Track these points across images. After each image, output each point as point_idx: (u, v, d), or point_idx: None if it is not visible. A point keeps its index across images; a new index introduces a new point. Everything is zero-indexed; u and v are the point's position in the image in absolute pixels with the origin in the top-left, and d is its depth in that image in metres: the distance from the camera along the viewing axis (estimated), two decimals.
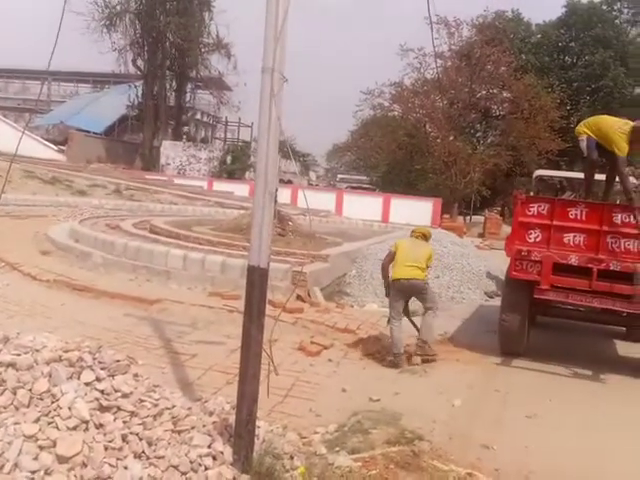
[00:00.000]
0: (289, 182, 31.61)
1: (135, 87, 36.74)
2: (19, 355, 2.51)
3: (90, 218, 13.56)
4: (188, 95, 39.64)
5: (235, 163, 34.40)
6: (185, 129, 41.40)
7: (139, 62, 35.94)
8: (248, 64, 35.21)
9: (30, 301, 6.60)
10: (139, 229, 11.49)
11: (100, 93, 45.72)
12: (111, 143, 37.90)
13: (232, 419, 3.02)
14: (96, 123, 37.66)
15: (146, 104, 36.02)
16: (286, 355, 5.38)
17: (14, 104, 49.42)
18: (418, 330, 5.72)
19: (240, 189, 28.00)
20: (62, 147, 33.67)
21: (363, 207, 26.01)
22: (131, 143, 39.30)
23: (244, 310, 2.83)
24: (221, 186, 29.13)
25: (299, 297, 7.43)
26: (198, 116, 46.37)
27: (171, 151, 34.90)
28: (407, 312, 5.85)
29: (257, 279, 2.84)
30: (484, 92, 32.17)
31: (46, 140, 32.74)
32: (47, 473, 2.14)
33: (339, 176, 52.85)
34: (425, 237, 5.99)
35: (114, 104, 39.66)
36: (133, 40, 35.25)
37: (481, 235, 24.87)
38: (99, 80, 48.88)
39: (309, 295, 7.71)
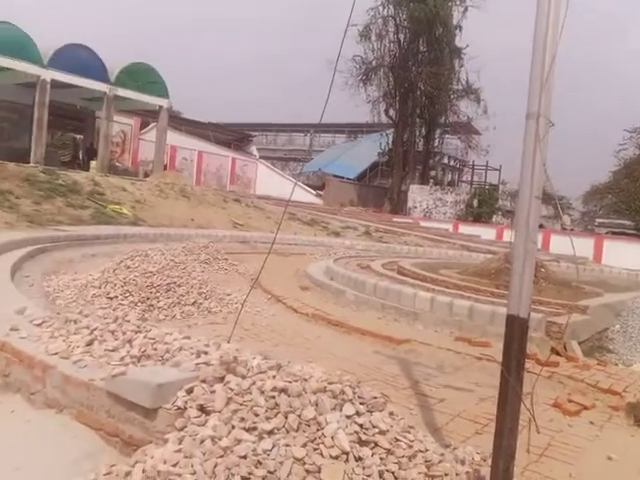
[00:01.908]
0: (541, 226, 29.99)
1: (386, 135, 38.67)
2: (290, 382, 2.75)
3: (343, 257, 14.44)
4: (436, 140, 40.41)
5: (482, 206, 33.87)
6: (432, 173, 42.17)
7: (391, 112, 37.85)
8: (497, 108, 34.72)
9: (292, 332, 7.23)
10: (387, 270, 11.90)
11: (354, 142, 49.09)
12: (362, 188, 40.20)
13: (484, 471, 2.90)
14: (350, 169, 40.39)
15: (396, 150, 37.60)
16: (541, 411, 5.02)
17: (281, 154, 55.55)
18: None
19: (486, 232, 27.44)
20: (320, 192, 36.73)
21: (627, 255, 23.43)
22: (381, 187, 41.24)
23: (502, 361, 2.73)
24: (467, 229, 28.88)
25: (553, 350, 6.92)
26: (445, 160, 46.91)
27: (418, 195, 35.72)
28: None
29: (517, 329, 2.72)
30: None
31: (306, 185, 36.02)
32: None
33: (597, 220, 48.48)
34: None
35: (366, 152, 42.21)
36: (386, 91, 37.36)
37: None
38: (353, 130, 52.54)
39: (565, 349, 7.14)
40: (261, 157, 40.21)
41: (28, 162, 20.49)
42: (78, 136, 29.87)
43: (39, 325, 4.01)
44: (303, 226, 22.94)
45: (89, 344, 3.58)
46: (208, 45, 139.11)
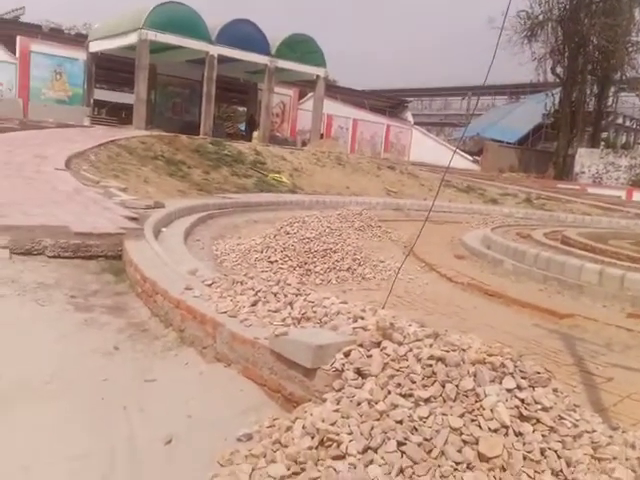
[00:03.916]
0: None
1: (552, 95, 36.09)
2: (448, 352, 2.71)
3: (501, 226, 13.86)
4: (610, 99, 36.94)
5: None
6: (604, 135, 38.73)
7: (558, 69, 35.18)
8: None
9: (445, 301, 7.11)
10: (550, 239, 11.21)
11: (516, 104, 46.43)
12: (524, 152, 38.07)
13: None
14: (510, 133, 38.37)
15: (563, 111, 35.01)
16: None
17: (437, 120, 54.20)
18: None
19: None
20: (477, 157, 35.42)
21: None
22: (544, 152, 38.77)
23: None
24: None
25: None
26: (619, 120, 42.81)
27: (587, 159, 33.07)
28: None
29: None
30: None
31: (463, 151, 34.87)
32: (469, 467, 2.25)
33: None
34: None
35: (529, 114, 39.79)
36: (553, 47, 34.74)
37: None
38: (515, 91, 49.70)
39: None
40: (416, 123, 39.56)
41: (198, 134, 22.04)
42: (241, 108, 31.50)
43: (209, 285, 4.33)
44: (458, 193, 22.31)
45: (254, 304, 3.79)
46: (363, 7, 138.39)
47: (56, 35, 26.00)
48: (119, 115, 25.22)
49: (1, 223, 5.90)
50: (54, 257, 5.55)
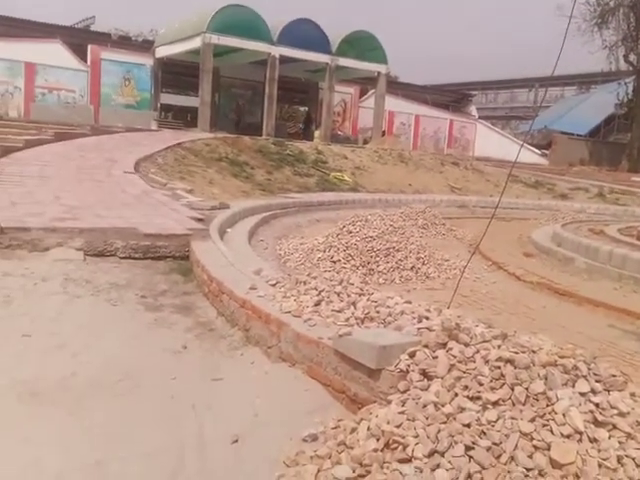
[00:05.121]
0: None
1: (625, 84, 34.51)
2: (517, 353, 2.63)
3: (572, 222, 13.37)
4: None
5: None
6: None
7: (631, 57, 33.57)
8: None
9: (514, 300, 6.93)
10: (625, 235, 10.72)
11: (586, 94, 44.68)
12: (595, 144, 36.56)
13: None
14: (580, 125, 36.95)
15: (637, 101, 33.40)
16: None
17: (502, 113, 52.82)
18: None
19: None
20: (545, 151, 34.29)
21: None
22: (617, 144, 37.11)
23: None
24: None
25: None
26: None
27: None
28: None
29: None
30: None
31: (530, 145, 33.84)
32: (541, 474, 2.17)
33: None
34: None
35: (600, 104, 38.17)
36: (626, 34, 33.19)
37: None
38: (585, 81, 47.83)
39: None
40: (480, 117, 38.68)
41: (260, 135, 22.35)
42: (302, 108, 31.71)
43: (273, 285, 4.37)
44: (526, 189, 21.68)
45: (317, 304, 3.80)
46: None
47: (124, 42, 26.93)
48: (184, 118, 25.86)
49: (75, 226, 6.16)
50: (125, 258, 5.75)
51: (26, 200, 7.48)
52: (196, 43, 22.38)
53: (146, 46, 26.30)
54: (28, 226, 5.92)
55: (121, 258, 5.74)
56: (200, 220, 7.51)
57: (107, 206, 7.69)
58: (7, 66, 22.69)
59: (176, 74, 26.39)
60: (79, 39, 25.06)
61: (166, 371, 3.43)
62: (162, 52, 25.11)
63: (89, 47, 24.46)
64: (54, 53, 23.46)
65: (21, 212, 6.60)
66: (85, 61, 24.35)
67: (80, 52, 24.10)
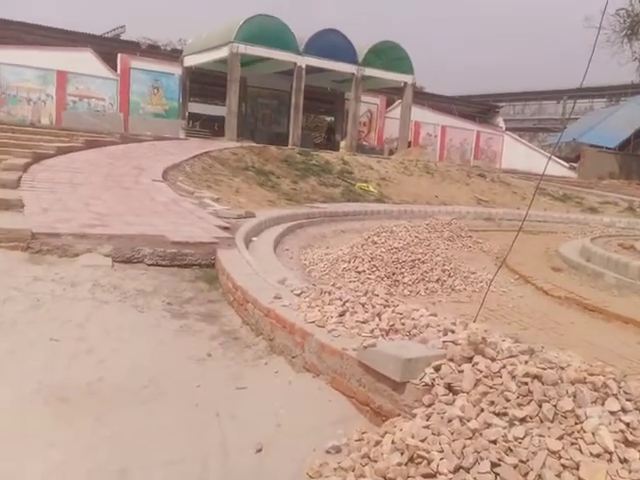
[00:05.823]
0: None
1: None
2: (545, 369, 2.58)
3: (601, 237, 13.15)
4: None
5: None
6: None
7: None
8: None
9: (541, 315, 6.83)
10: None
11: (616, 106, 43.99)
12: (625, 157, 35.95)
13: None
14: (610, 138, 36.35)
15: None
16: None
17: (530, 125, 52.31)
18: None
19: None
20: (573, 164, 33.84)
21: None
22: None
23: None
24: None
25: None
26: None
27: None
28: None
29: None
30: None
31: (558, 158, 33.45)
32: None
33: None
34: None
35: (631, 116, 37.54)
36: None
37: None
38: (615, 93, 47.20)
39: None
40: (507, 129, 38.35)
41: (286, 144, 22.45)
42: (328, 118, 31.80)
43: (298, 295, 4.37)
44: (554, 202, 21.41)
45: (341, 315, 3.79)
46: (446, 12, 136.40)
47: (153, 51, 27.31)
48: (212, 127, 26.12)
49: (105, 232, 6.26)
50: (152, 265, 5.82)
51: (57, 206, 7.62)
52: (224, 52, 22.62)
53: (175, 55, 26.66)
54: (58, 232, 6.03)
55: (148, 265, 5.81)
56: (226, 229, 7.56)
57: (136, 213, 7.79)
58: (40, 74, 23.18)
59: (204, 83, 26.68)
60: (109, 48, 25.50)
61: (191, 379, 3.45)
62: (190, 61, 25.43)
63: (119, 56, 24.88)
64: (85, 61, 23.90)
65: (52, 218, 6.71)
66: (115, 70, 24.76)
67: (110, 61, 24.51)
